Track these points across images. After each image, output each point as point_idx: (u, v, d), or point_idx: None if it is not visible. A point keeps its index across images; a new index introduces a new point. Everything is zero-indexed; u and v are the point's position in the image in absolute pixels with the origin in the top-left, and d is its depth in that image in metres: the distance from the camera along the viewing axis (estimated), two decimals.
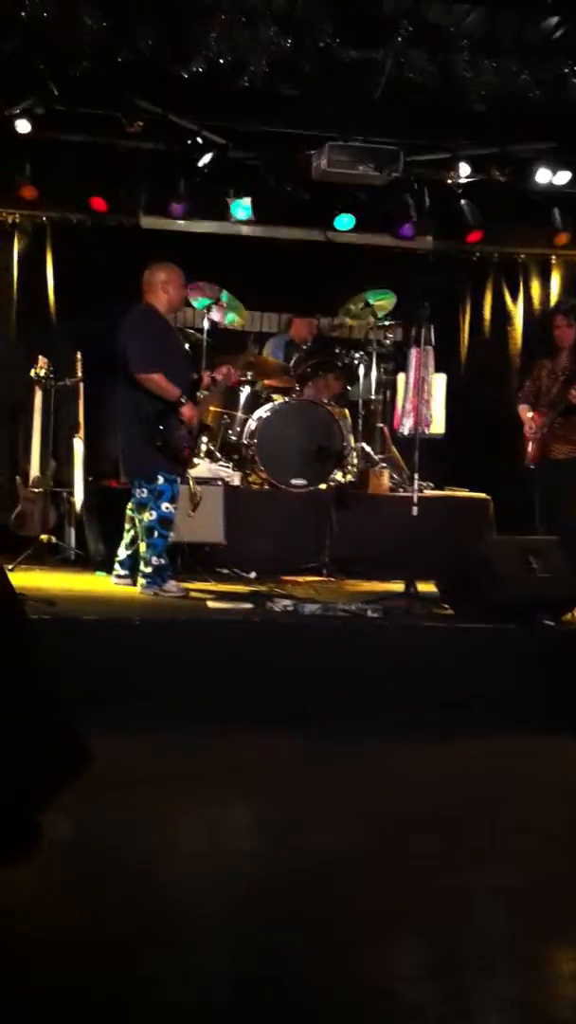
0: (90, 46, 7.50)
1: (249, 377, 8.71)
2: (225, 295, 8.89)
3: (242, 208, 9.41)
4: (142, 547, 6.96)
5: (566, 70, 7.82)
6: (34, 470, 8.52)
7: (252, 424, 8.40)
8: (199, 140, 8.91)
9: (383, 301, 9.03)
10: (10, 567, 7.05)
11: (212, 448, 8.53)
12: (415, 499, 7.21)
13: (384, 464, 8.84)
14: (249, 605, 6.55)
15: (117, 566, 7.29)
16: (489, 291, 10.51)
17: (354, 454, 8.61)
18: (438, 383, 8.82)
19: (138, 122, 8.58)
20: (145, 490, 6.90)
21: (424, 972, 3.08)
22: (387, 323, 9.14)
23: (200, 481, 7.70)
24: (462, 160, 9.38)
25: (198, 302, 8.84)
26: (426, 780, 4.80)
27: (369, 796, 4.56)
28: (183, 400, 6.87)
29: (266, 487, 8.37)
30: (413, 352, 7.36)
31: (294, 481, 8.28)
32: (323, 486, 8.37)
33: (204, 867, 3.76)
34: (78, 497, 8.39)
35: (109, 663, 5.60)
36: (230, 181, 9.36)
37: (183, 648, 5.88)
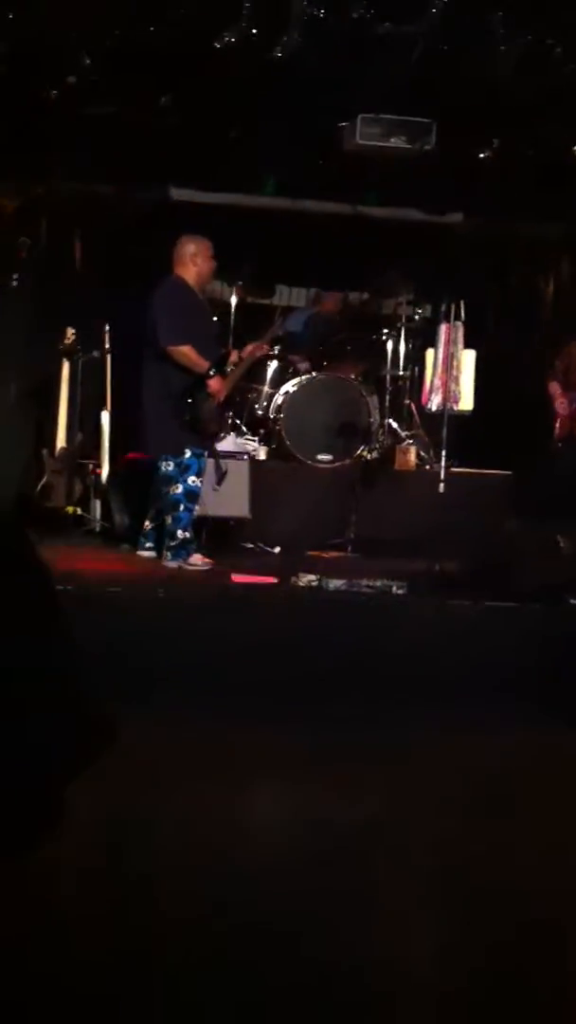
0: (121, 16, 7.45)
1: (276, 351, 8.67)
2: None
3: (272, 183, 9.36)
4: (168, 520, 6.95)
5: None
6: (60, 442, 8.53)
7: (279, 398, 8.37)
8: (229, 112, 8.85)
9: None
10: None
11: (238, 422, 8.52)
12: (442, 476, 7.17)
13: (411, 441, 8.80)
14: (273, 579, 6.54)
15: (142, 539, 7.28)
16: (520, 267, 10.43)
17: (381, 430, 8.57)
18: (467, 359, 8.76)
19: (168, 93, 8.54)
20: (172, 464, 6.88)
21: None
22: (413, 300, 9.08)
23: (226, 455, 7.69)
24: (494, 135, 9.29)
25: None
26: (450, 760, 4.80)
27: (393, 770, 4.58)
28: (212, 373, 6.85)
29: (292, 462, 8.36)
30: (443, 328, 7.33)
31: (320, 456, 8.25)
32: (349, 462, 8.34)
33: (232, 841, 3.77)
34: (104, 469, 8.40)
35: (133, 635, 5.62)
36: (261, 154, 9.31)
37: (207, 621, 5.90)
